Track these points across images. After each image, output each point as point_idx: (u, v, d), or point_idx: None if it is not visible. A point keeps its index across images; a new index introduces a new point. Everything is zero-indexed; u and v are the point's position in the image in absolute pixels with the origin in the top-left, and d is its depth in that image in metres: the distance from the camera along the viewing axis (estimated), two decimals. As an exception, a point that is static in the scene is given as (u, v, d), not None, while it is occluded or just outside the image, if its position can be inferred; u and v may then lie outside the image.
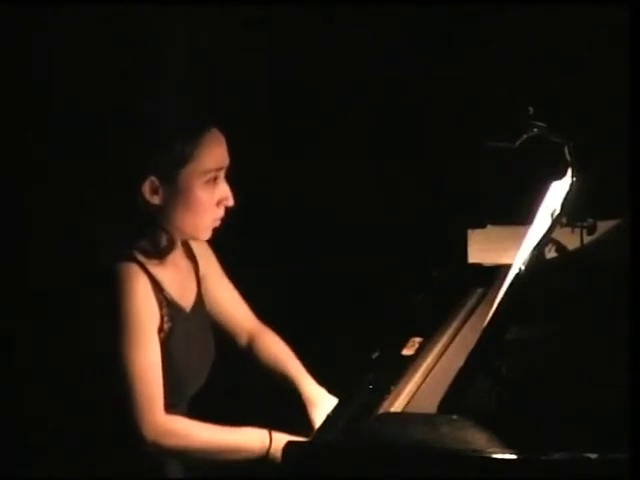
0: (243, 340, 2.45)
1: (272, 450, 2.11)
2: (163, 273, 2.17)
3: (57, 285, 2.35)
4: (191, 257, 2.31)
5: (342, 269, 3.40)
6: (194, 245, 2.32)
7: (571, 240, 2.24)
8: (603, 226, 2.29)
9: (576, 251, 2.25)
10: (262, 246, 3.41)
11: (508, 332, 2.01)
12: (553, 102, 2.81)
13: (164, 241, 2.15)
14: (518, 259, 2.09)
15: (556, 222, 2.05)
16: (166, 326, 2.14)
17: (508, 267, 2.17)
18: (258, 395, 2.59)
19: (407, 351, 2.23)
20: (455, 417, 1.85)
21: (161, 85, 3.26)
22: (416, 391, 2.09)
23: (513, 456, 1.74)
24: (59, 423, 2.35)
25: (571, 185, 2.05)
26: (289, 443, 1.87)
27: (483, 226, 2.91)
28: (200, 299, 2.30)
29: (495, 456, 1.74)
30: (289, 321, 2.49)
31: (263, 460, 2.12)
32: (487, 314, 2.02)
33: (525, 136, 2.19)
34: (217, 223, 2.18)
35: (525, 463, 1.73)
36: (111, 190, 2.13)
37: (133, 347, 2.06)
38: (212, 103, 2.49)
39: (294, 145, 3.48)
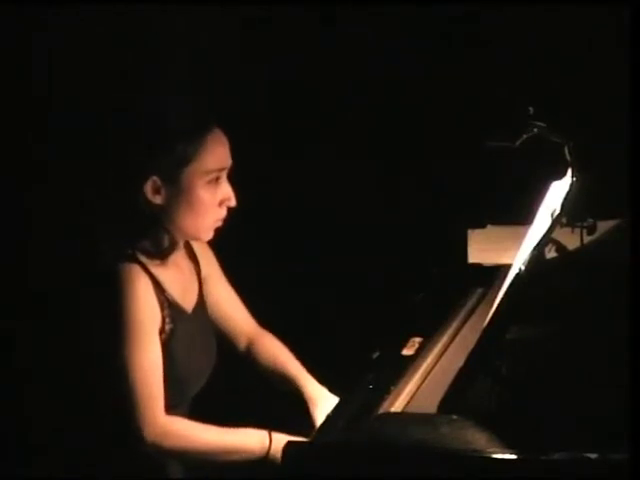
0: (242, 343, 2.45)
1: (272, 451, 2.11)
2: (165, 274, 2.17)
3: (57, 285, 2.35)
4: (193, 258, 2.31)
5: (342, 269, 3.40)
6: (195, 246, 2.31)
7: (571, 240, 2.24)
8: (603, 226, 2.29)
9: (576, 251, 2.25)
10: (262, 246, 3.41)
11: (508, 332, 2.01)
12: (553, 102, 2.81)
13: (166, 241, 2.15)
14: (518, 259, 2.09)
15: (556, 222, 2.04)
16: (167, 327, 2.14)
17: (508, 267, 2.17)
18: (258, 396, 2.59)
19: (407, 351, 2.23)
20: (455, 417, 1.85)
21: (161, 85, 3.26)
22: (416, 391, 2.09)
23: (513, 456, 1.74)
24: (59, 423, 2.35)
25: (571, 185, 2.04)
26: (289, 443, 1.87)
27: (483, 226, 2.91)
28: (202, 300, 2.29)
29: (495, 456, 1.74)
30: (289, 321, 2.49)
31: (263, 461, 2.12)
32: (487, 314, 2.02)
33: (525, 136, 2.19)
34: (219, 224, 2.18)
35: (525, 463, 1.73)
36: (112, 190, 2.13)
37: (134, 348, 2.06)
38: (212, 103, 2.48)
39: (294, 145, 3.48)
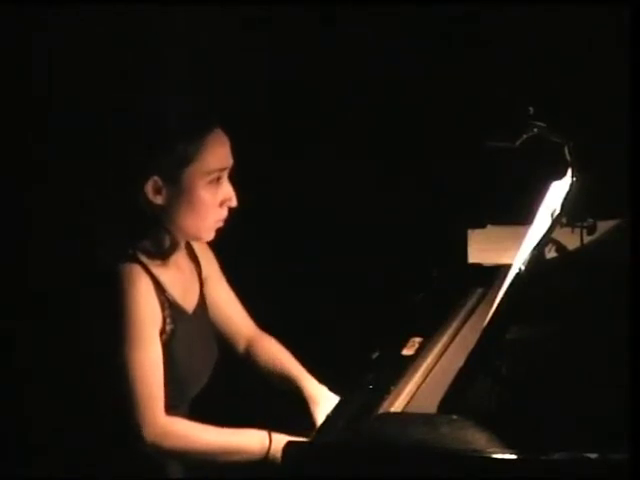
0: (241, 346, 2.44)
1: (272, 451, 2.11)
2: (166, 274, 2.17)
3: (57, 285, 2.35)
4: (194, 258, 2.31)
5: (342, 269, 3.40)
6: (196, 246, 2.31)
7: (571, 240, 2.24)
8: (603, 226, 2.29)
9: (576, 251, 2.25)
10: (262, 246, 3.41)
11: (508, 332, 2.01)
12: (553, 102, 2.81)
13: (167, 242, 2.15)
14: (518, 259, 2.09)
15: (556, 222, 2.04)
16: (168, 328, 2.14)
17: (508, 267, 2.17)
18: (258, 396, 2.59)
19: (407, 351, 2.23)
20: (455, 417, 1.85)
21: (161, 85, 3.26)
22: (416, 391, 2.09)
23: (513, 456, 1.74)
24: (59, 423, 2.35)
25: (571, 185, 2.04)
26: (289, 443, 1.87)
27: (483, 226, 2.91)
28: (203, 301, 2.29)
29: (495, 456, 1.74)
30: (289, 321, 2.49)
31: (263, 461, 2.12)
32: (487, 314, 2.02)
33: (525, 136, 2.19)
34: (220, 224, 2.18)
35: (525, 463, 1.73)
36: (112, 190, 2.13)
37: (134, 348, 2.06)
38: (212, 103, 2.48)
39: (294, 145, 3.48)
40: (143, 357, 2.06)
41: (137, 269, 2.10)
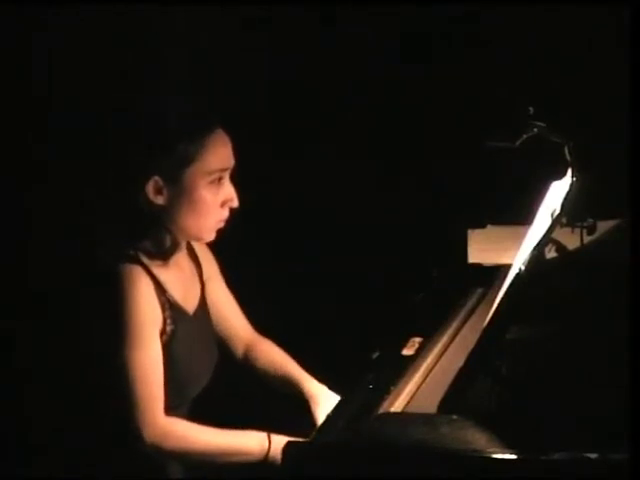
0: (240, 349, 2.44)
1: (271, 453, 2.11)
2: (166, 275, 2.16)
3: (57, 285, 2.35)
4: (194, 259, 2.30)
5: (342, 269, 3.40)
6: (197, 247, 2.31)
7: (571, 240, 2.24)
8: (603, 226, 2.29)
9: (576, 251, 2.25)
10: (262, 246, 3.40)
11: (508, 332, 2.01)
12: (553, 102, 2.81)
13: (168, 242, 2.15)
14: (518, 259, 2.09)
15: (556, 222, 2.04)
16: (168, 329, 2.14)
17: (508, 267, 2.17)
18: (257, 397, 2.59)
19: (407, 351, 2.23)
20: (455, 417, 1.85)
21: (161, 85, 3.26)
22: (416, 391, 2.09)
23: (513, 456, 1.73)
24: (59, 423, 2.35)
25: (571, 185, 2.04)
26: (289, 443, 1.87)
27: (483, 226, 2.91)
28: (203, 302, 2.29)
29: (495, 456, 1.74)
30: (289, 321, 2.49)
31: (262, 462, 2.11)
32: (487, 314, 2.02)
33: (525, 136, 2.19)
34: (221, 224, 2.18)
35: (525, 463, 1.73)
36: (112, 190, 2.13)
37: (134, 348, 2.05)
38: (212, 103, 2.48)
39: (294, 145, 3.48)
40: (143, 357, 2.06)
41: (137, 269, 2.10)
